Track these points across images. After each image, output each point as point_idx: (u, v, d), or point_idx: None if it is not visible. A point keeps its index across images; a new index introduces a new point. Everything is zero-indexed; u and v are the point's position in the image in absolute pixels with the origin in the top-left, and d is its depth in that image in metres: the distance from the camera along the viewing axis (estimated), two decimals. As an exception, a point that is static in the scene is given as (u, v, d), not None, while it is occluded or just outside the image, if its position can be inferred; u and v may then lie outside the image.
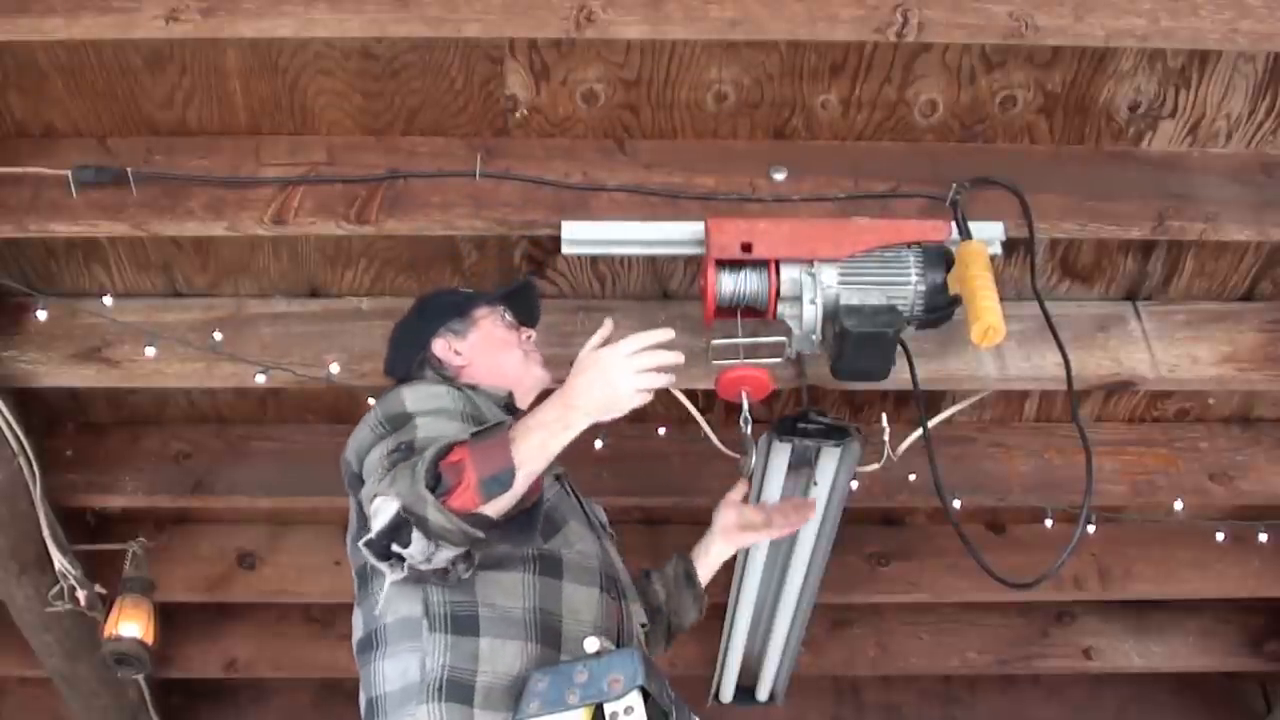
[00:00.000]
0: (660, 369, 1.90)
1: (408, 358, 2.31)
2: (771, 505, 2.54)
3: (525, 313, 2.42)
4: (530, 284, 2.50)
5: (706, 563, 2.48)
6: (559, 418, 1.86)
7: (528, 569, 2.01)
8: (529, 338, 2.37)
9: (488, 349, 2.28)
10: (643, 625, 2.24)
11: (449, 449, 1.83)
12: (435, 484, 1.78)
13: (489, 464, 1.81)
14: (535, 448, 1.84)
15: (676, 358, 1.90)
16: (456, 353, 2.28)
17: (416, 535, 1.78)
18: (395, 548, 1.79)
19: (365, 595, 2.05)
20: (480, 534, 1.81)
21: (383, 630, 1.99)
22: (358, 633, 2.06)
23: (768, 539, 2.57)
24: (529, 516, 1.94)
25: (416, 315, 2.40)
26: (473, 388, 2.18)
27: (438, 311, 2.36)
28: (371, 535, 1.81)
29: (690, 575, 2.44)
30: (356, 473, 2.04)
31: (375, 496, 1.83)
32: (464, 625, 1.93)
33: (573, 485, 2.26)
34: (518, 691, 1.86)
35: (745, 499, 2.51)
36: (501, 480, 1.81)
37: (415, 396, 2.08)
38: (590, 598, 2.04)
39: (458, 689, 1.88)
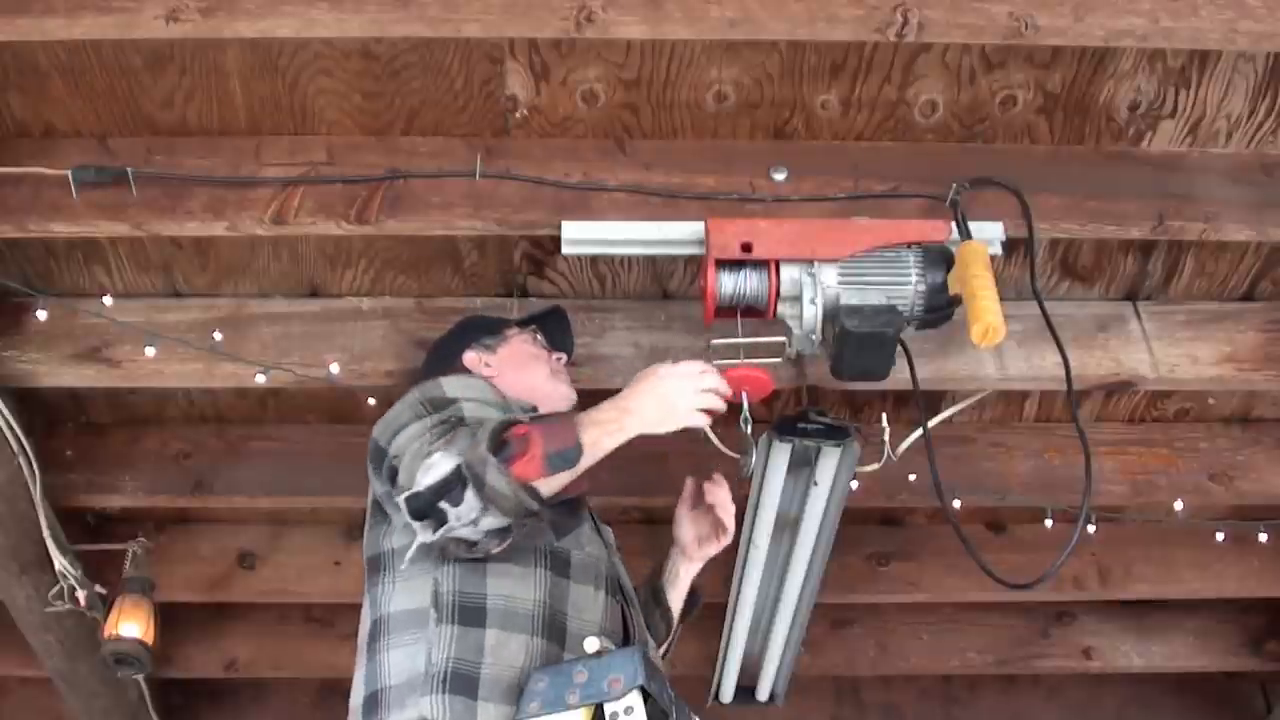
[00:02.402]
0: (718, 393, 2.03)
1: (439, 372, 2.34)
2: (707, 504, 2.38)
3: (559, 341, 2.50)
4: (560, 310, 2.57)
5: (678, 586, 2.41)
6: (615, 419, 1.95)
7: (540, 563, 2.02)
8: (559, 359, 2.44)
9: (516, 363, 2.34)
10: (660, 644, 2.30)
11: (512, 423, 1.88)
12: (498, 451, 1.82)
13: (556, 440, 1.87)
14: (590, 442, 1.90)
15: (727, 386, 2.05)
16: (486, 365, 2.34)
17: (469, 495, 1.81)
18: (443, 504, 1.82)
19: (374, 584, 2.05)
20: (534, 505, 1.84)
21: (387, 620, 1.99)
22: (366, 622, 2.06)
23: (725, 542, 2.40)
24: (570, 506, 2.00)
25: (451, 334, 2.50)
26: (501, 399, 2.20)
27: (471, 329, 2.46)
28: (420, 488, 1.84)
29: (657, 596, 2.39)
30: (384, 448, 2.02)
31: (430, 454, 1.86)
32: (471, 616, 1.93)
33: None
34: (521, 687, 1.87)
35: (693, 500, 2.41)
36: (567, 457, 1.87)
37: (456, 385, 2.11)
38: (595, 599, 2.05)
39: (462, 681, 1.88)
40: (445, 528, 1.85)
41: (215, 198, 2.35)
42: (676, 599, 2.41)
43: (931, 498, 2.59)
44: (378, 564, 2.06)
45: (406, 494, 1.87)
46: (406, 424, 2.02)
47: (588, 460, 1.91)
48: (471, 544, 1.90)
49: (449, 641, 1.91)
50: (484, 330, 2.44)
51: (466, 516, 1.83)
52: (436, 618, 1.93)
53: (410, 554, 1.94)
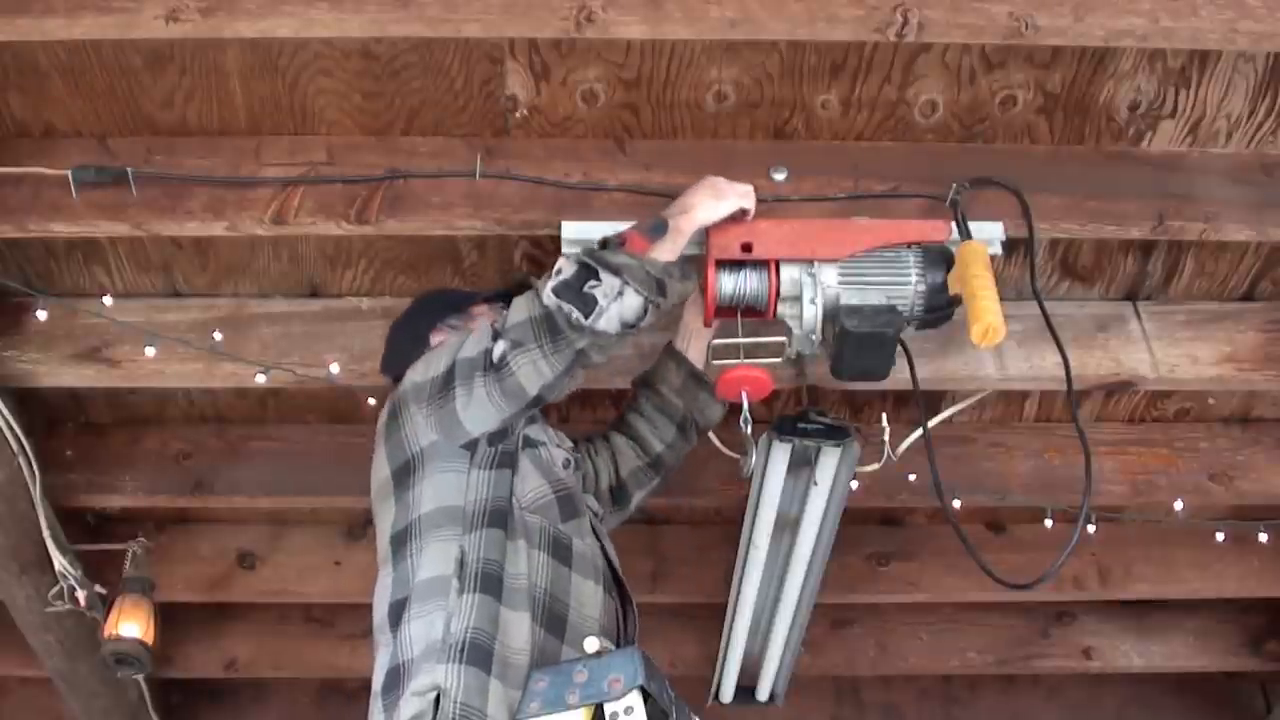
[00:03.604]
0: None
1: (405, 353, 2.32)
2: None
3: None
4: (528, 284, 2.50)
5: (697, 348, 2.46)
6: (679, 208, 2.12)
7: (540, 544, 2.02)
8: None
9: None
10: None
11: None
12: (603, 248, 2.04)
13: (642, 223, 2.08)
14: (671, 224, 2.10)
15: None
16: None
17: (604, 274, 1.99)
18: (588, 286, 1.98)
19: (401, 559, 2.03)
20: (658, 269, 2.02)
21: (412, 593, 1.98)
22: (385, 603, 2.04)
23: None
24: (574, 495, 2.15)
25: (413, 313, 2.44)
26: None
27: (435, 308, 2.41)
28: (564, 277, 2.01)
29: (697, 376, 2.44)
30: (422, 381, 2.13)
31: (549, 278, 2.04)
32: (491, 586, 1.94)
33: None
34: (525, 676, 1.86)
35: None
36: (657, 227, 2.07)
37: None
38: (596, 594, 2.05)
39: (479, 652, 1.87)
40: (596, 310, 1.98)
41: (215, 198, 2.35)
42: (700, 360, 2.47)
43: (931, 498, 2.59)
44: (404, 537, 2.05)
45: (552, 284, 2.00)
46: (452, 349, 2.12)
47: (673, 234, 2.07)
48: (607, 345, 2.03)
49: (469, 610, 1.90)
50: (449, 308, 2.39)
51: (611, 292, 1.97)
52: (459, 587, 1.93)
53: (425, 545, 1.95)
